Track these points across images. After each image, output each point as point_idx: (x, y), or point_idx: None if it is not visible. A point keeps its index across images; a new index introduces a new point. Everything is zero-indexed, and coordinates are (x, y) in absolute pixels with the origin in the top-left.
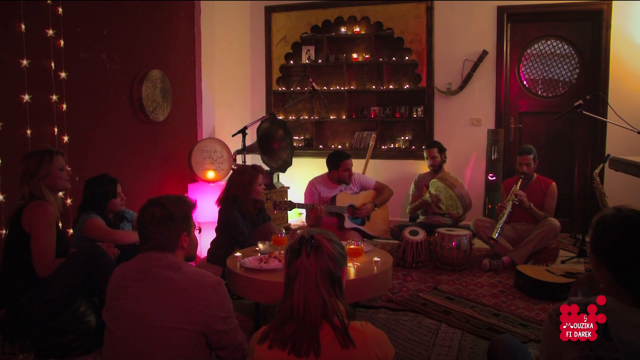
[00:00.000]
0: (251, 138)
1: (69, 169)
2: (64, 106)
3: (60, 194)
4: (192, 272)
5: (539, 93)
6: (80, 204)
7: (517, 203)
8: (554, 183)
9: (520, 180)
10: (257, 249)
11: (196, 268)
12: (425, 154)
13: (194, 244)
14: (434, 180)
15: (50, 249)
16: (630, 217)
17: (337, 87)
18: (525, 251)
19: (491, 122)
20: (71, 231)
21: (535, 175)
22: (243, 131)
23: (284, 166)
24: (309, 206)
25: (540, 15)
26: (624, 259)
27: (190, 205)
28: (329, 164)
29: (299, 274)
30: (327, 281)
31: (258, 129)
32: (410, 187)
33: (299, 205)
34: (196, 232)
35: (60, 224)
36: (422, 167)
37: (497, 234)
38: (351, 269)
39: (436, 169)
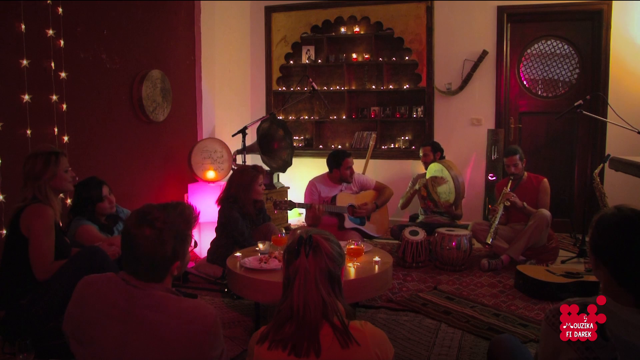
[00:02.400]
0: (251, 138)
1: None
2: (64, 106)
3: (61, 194)
4: (182, 311)
5: (539, 93)
6: (70, 207)
7: (508, 205)
8: (545, 179)
9: (511, 181)
10: (257, 249)
11: (186, 302)
12: (420, 152)
13: (186, 263)
14: (432, 164)
15: (49, 253)
16: (629, 217)
17: (337, 87)
18: (520, 245)
19: (491, 122)
20: None
21: (525, 174)
22: (243, 131)
23: (284, 166)
24: (308, 206)
25: (540, 15)
26: (623, 258)
27: (192, 222)
28: (330, 162)
29: (298, 274)
30: (327, 281)
31: (258, 129)
32: (408, 185)
33: (299, 205)
34: (192, 246)
35: (61, 224)
36: (422, 167)
37: (490, 239)
38: (351, 269)
39: (428, 167)
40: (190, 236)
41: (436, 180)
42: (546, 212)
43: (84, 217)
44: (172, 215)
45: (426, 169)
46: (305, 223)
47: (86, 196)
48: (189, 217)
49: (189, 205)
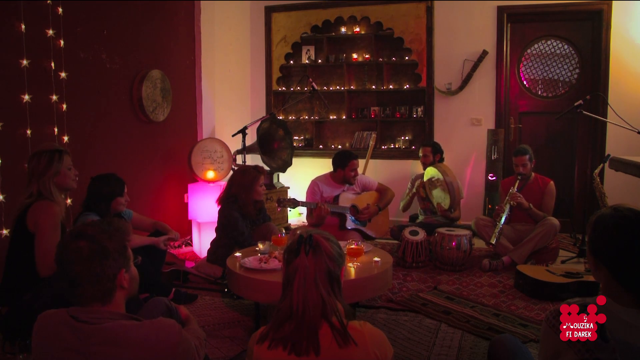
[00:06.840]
0: (251, 138)
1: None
2: (64, 106)
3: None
4: (143, 338)
5: (539, 93)
6: (85, 199)
7: (514, 205)
8: (552, 182)
9: (518, 181)
10: (257, 249)
11: (146, 327)
12: (420, 152)
13: (135, 278)
14: (429, 168)
15: (55, 250)
16: (627, 216)
17: (337, 87)
18: (525, 251)
19: (491, 122)
20: None
21: (533, 174)
22: (243, 131)
23: (284, 166)
24: (313, 205)
25: (540, 15)
26: (622, 258)
27: (126, 231)
28: (335, 162)
29: (298, 273)
30: (326, 280)
31: (258, 129)
32: (407, 186)
33: (303, 204)
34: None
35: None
36: (422, 167)
37: (495, 240)
38: (351, 269)
39: (427, 167)
40: (127, 243)
41: (432, 183)
42: (555, 221)
43: (93, 212)
44: (104, 225)
45: (425, 169)
46: (306, 223)
47: (109, 189)
48: (121, 225)
49: (120, 220)
